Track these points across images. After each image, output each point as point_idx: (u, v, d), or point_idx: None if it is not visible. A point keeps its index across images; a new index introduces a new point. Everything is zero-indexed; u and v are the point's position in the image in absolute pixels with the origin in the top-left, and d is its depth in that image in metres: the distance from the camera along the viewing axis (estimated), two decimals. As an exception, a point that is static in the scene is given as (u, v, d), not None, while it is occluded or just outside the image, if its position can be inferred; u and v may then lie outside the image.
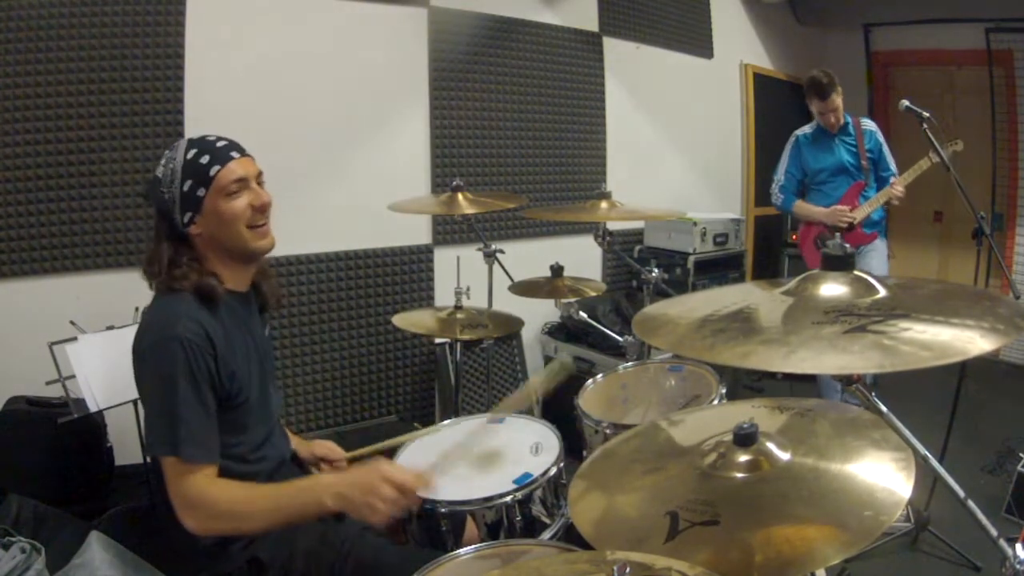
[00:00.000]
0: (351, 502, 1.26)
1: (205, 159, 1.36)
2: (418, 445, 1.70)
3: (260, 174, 1.45)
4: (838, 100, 3.12)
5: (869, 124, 3.22)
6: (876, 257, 3.23)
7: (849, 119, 3.21)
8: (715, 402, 1.70)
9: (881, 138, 3.21)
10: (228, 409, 1.37)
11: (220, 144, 1.39)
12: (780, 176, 3.40)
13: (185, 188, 1.35)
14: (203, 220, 1.37)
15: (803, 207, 3.36)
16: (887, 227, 3.38)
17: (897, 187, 3.01)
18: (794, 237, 4.41)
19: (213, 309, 1.37)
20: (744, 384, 3.77)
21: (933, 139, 2.37)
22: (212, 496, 1.26)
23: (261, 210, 1.41)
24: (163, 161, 1.39)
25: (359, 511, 1.26)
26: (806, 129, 3.36)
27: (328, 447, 1.73)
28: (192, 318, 1.31)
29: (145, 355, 1.32)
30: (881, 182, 3.17)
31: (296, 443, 1.69)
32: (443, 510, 1.43)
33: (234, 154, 1.39)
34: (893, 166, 3.18)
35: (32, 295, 2.46)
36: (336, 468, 1.70)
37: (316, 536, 1.40)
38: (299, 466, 1.65)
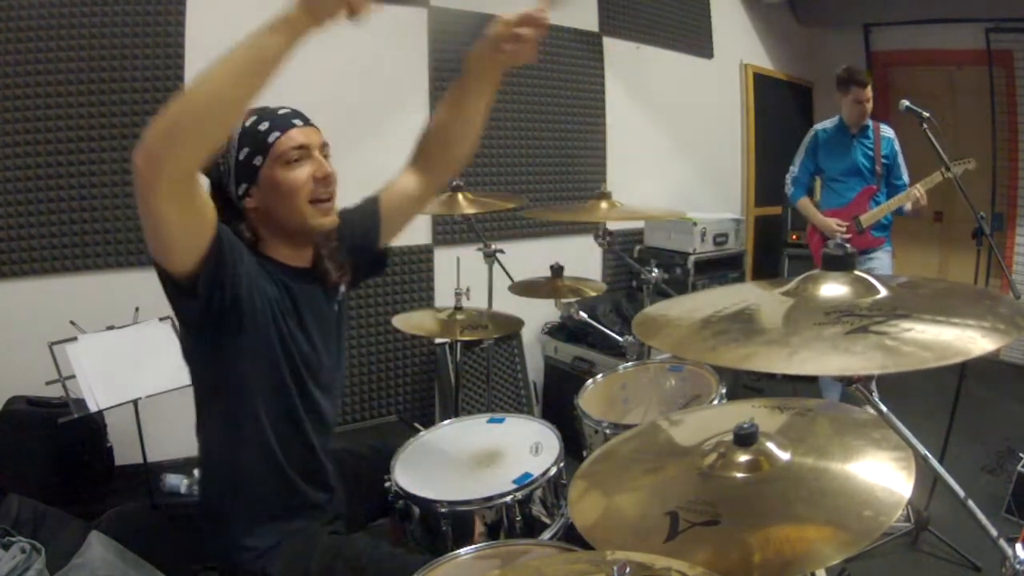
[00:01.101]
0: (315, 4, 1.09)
1: (264, 126, 1.26)
2: (418, 446, 1.70)
3: (325, 145, 1.34)
4: (871, 92, 3.13)
5: (888, 131, 3.23)
6: (881, 265, 3.25)
7: (870, 123, 3.22)
8: (715, 402, 1.70)
9: (898, 146, 3.22)
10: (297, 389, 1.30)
11: (282, 111, 1.30)
12: (795, 168, 3.41)
13: (241, 156, 1.26)
14: (259, 192, 1.27)
15: (807, 206, 3.38)
16: (891, 235, 3.38)
17: (917, 192, 3.01)
18: (794, 237, 4.43)
19: (283, 286, 1.30)
20: (744, 384, 3.77)
21: (933, 139, 2.37)
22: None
23: (325, 182, 1.29)
24: None
25: (320, 7, 1.11)
26: (827, 124, 3.35)
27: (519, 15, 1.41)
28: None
29: None
30: (892, 189, 3.18)
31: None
32: (443, 510, 1.43)
33: (296, 121, 1.30)
34: (906, 175, 3.19)
35: (32, 295, 2.46)
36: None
37: (332, 550, 1.36)
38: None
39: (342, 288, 1.47)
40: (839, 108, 3.28)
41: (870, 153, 3.22)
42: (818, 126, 3.39)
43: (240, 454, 1.32)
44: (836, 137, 3.29)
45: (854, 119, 3.21)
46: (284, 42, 1.10)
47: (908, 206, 3.06)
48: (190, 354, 1.32)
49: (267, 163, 1.26)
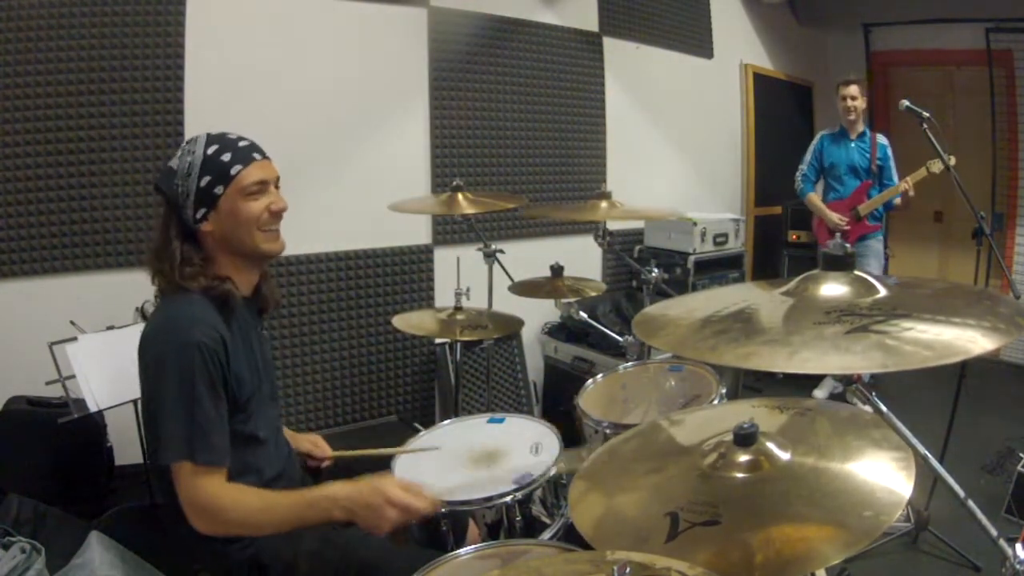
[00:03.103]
0: (357, 517, 1.29)
1: (226, 156, 1.33)
2: (418, 446, 1.70)
3: (278, 179, 1.43)
4: (860, 91, 3.64)
5: (883, 139, 3.70)
6: (873, 254, 3.72)
7: (868, 131, 3.73)
8: (715, 402, 1.70)
9: (891, 152, 3.69)
10: (235, 413, 1.36)
11: (242, 144, 1.37)
12: (804, 167, 3.90)
13: (202, 183, 1.32)
14: (216, 218, 1.34)
15: (814, 201, 3.89)
16: (887, 227, 3.87)
17: (906, 184, 3.44)
18: (794, 237, 4.44)
19: (226, 314, 1.35)
20: (743, 384, 3.77)
21: (933, 139, 2.37)
22: (224, 502, 1.27)
23: (276, 215, 1.40)
24: (180, 153, 1.36)
25: (365, 523, 1.29)
26: (831, 130, 3.88)
27: (313, 442, 1.72)
28: (207, 323, 1.30)
29: (158, 362, 1.28)
30: (884, 188, 3.65)
31: (286, 435, 1.69)
32: (443, 510, 1.43)
33: (256, 155, 1.37)
34: (896, 177, 3.65)
35: (32, 295, 2.45)
36: (319, 467, 1.70)
37: (319, 537, 1.39)
38: (305, 469, 1.65)
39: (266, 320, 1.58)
40: (839, 115, 3.78)
41: (867, 155, 3.71)
42: (823, 131, 3.92)
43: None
44: (838, 141, 3.81)
45: (845, 119, 3.72)
46: (322, 520, 1.31)
47: (897, 199, 3.56)
48: None
49: (227, 193, 1.34)
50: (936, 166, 3.17)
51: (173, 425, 1.26)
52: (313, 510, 1.29)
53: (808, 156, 3.90)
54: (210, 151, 1.34)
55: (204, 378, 1.26)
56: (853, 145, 3.72)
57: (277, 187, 1.43)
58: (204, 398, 1.26)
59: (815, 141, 3.91)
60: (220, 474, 1.28)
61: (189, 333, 1.27)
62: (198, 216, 1.34)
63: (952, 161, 3.00)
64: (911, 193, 3.45)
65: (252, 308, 1.50)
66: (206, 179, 1.32)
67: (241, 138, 1.39)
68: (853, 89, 3.62)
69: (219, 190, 1.33)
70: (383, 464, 1.58)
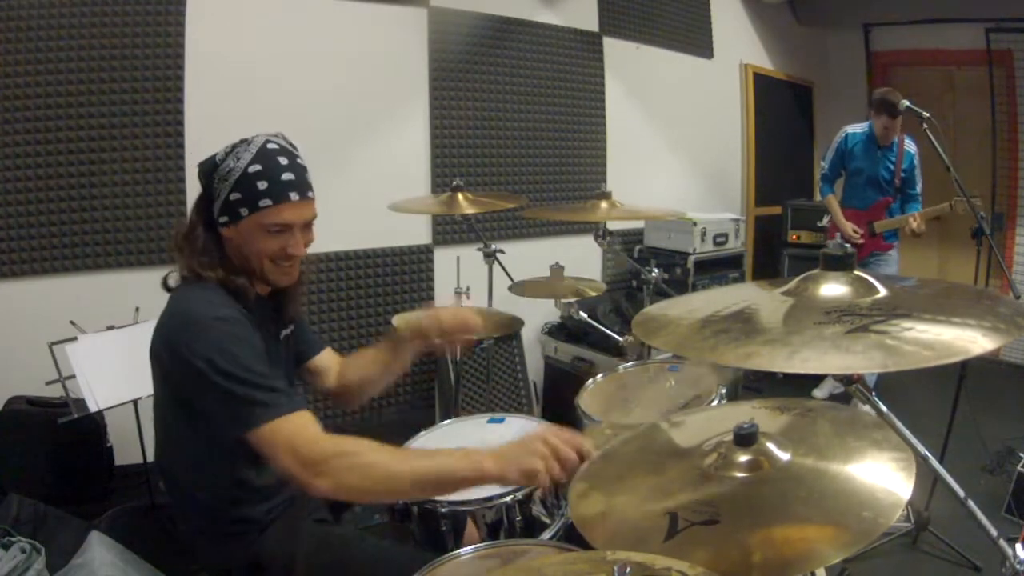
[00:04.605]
0: (512, 460, 1.13)
1: (263, 184, 1.28)
2: (418, 446, 1.70)
3: (313, 218, 1.37)
4: (899, 124, 3.37)
5: (911, 146, 3.48)
6: (889, 265, 3.57)
7: (895, 138, 3.46)
8: (715, 402, 1.70)
9: (917, 160, 3.48)
10: None
11: (285, 177, 1.30)
12: (825, 165, 3.69)
13: (232, 197, 1.28)
14: (236, 232, 1.31)
15: (832, 205, 3.66)
16: (900, 240, 3.64)
17: (914, 223, 3.30)
18: (794, 237, 4.44)
19: (242, 304, 1.32)
20: (743, 385, 3.77)
21: (933, 139, 2.37)
22: (337, 444, 1.15)
23: (289, 257, 1.34)
24: (230, 148, 1.31)
25: (521, 467, 1.13)
26: (858, 128, 3.57)
27: (456, 315, 1.58)
28: (228, 304, 1.27)
29: (188, 344, 1.20)
30: (907, 198, 3.49)
31: (405, 326, 1.61)
32: (443, 510, 1.43)
33: (293, 195, 1.30)
34: (919, 186, 3.49)
35: (32, 295, 2.46)
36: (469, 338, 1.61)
37: (317, 537, 1.39)
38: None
39: (291, 326, 1.52)
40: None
41: (891, 167, 3.48)
42: (849, 128, 3.61)
43: (216, 481, 1.34)
44: (864, 146, 3.54)
45: (883, 137, 3.45)
46: (468, 483, 1.18)
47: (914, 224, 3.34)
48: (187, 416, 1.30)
49: (250, 219, 1.29)
50: (960, 207, 2.96)
51: (234, 398, 1.17)
52: (462, 460, 1.14)
53: (830, 154, 3.68)
54: (252, 169, 1.28)
55: (244, 342, 1.22)
56: (880, 155, 3.49)
57: (308, 227, 1.37)
58: (251, 359, 1.20)
59: (838, 138, 3.63)
60: (309, 417, 1.19)
61: (216, 310, 1.23)
62: (221, 220, 1.32)
63: (960, 209, 2.99)
64: (919, 229, 3.29)
65: (268, 308, 1.45)
66: (236, 195, 1.28)
67: (290, 167, 1.31)
68: (898, 123, 3.31)
69: (243, 212, 1.29)
70: None
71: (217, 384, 1.17)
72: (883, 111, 3.32)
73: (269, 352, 1.36)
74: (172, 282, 1.36)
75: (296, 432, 1.16)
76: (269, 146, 1.32)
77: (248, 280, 1.34)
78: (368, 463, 1.15)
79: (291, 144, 1.39)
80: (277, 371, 1.39)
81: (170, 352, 1.23)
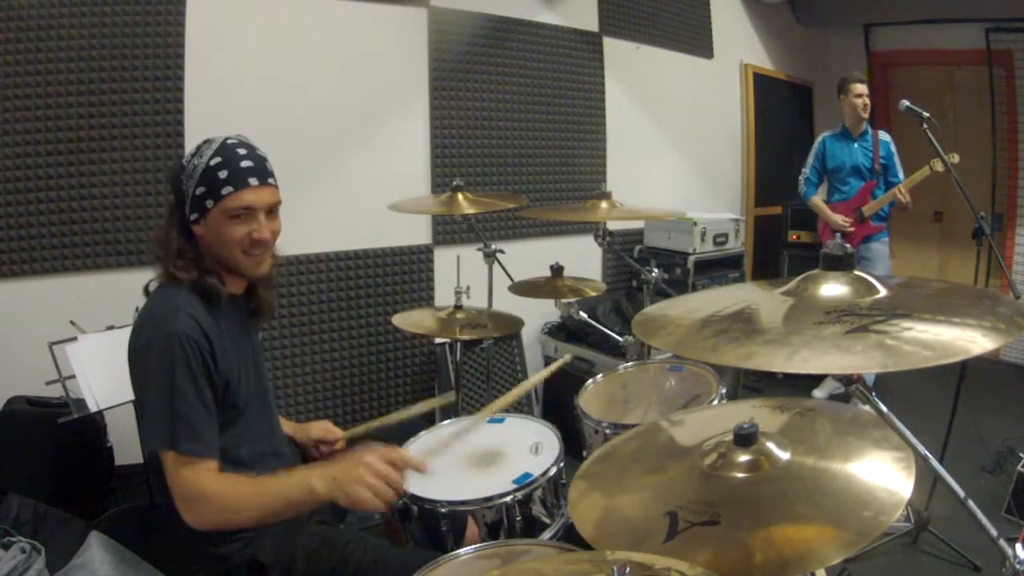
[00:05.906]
0: (339, 484, 1.24)
1: (223, 174, 1.34)
2: (418, 446, 1.70)
3: (276, 204, 1.42)
4: (866, 88, 3.60)
5: (885, 136, 3.66)
6: (879, 257, 3.68)
7: (869, 128, 3.67)
8: (715, 402, 1.70)
9: (894, 148, 3.64)
10: (225, 410, 1.36)
11: (244, 164, 1.36)
12: (806, 170, 3.86)
13: (197, 192, 1.34)
14: (206, 227, 1.37)
15: (817, 204, 3.83)
16: (890, 226, 3.76)
17: (901, 195, 3.44)
18: (794, 237, 4.44)
19: (213, 308, 1.37)
20: (743, 385, 3.77)
21: (933, 139, 2.37)
22: (210, 490, 1.25)
23: (257, 244, 1.39)
24: (194, 150, 1.37)
25: (348, 495, 1.23)
26: (832, 131, 3.82)
27: (324, 428, 1.72)
28: (189, 313, 1.31)
29: (142, 351, 1.30)
30: (889, 186, 3.61)
31: (292, 429, 1.69)
32: (443, 510, 1.43)
33: (252, 180, 1.36)
34: (901, 174, 3.61)
35: (32, 295, 2.45)
36: (334, 450, 1.68)
37: (317, 537, 1.40)
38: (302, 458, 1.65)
39: (261, 326, 1.58)
40: (841, 115, 3.71)
41: (869, 154, 3.65)
42: (825, 133, 3.84)
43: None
44: (840, 141, 3.75)
45: (854, 118, 3.62)
46: (306, 505, 1.28)
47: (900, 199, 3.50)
48: None
49: (215, 209, 1.35)
50: (938, 164, 3.14)
51: (155, 415, 1.27)
52: (293, 482, 1.27)
53: (810, 159, 3.84)
54: (213, 162, 1.34)
55: (186, 369, 1.27)
56: (856, 145, 3.66)
57: (273, 213, 1.42)
58: (187, 388, 1.27)
59: (817, 143, 3.85)
60: (208, 464, 1.27)
61: (171, 324, 1.28)
62: (192, 219, 1.37)
63: (955, 159, 3.03)
64: (905, 199, 3.43)
65: (244, 307, 1.51)
66: (201, 189, 1.34)
67: (249, 156, 1.37)
68: (866, 87, 3.56)
69: (209, 204, 1.34)
70: None
71: (148, 397, 1.28)
72: (847, 82, 3.60)
73: (240, 352, 1.42)
74: (153, 287, 1.41)
75: (187, 467, 1.25)
76: (229, 141, 1.38)
77: (220, 280, 1.39)
78: (229, 507, 1.25)
79: (251, 142, 1.44)
80: (248, 370, 1.44)
81: (128, 356, 1.33)
